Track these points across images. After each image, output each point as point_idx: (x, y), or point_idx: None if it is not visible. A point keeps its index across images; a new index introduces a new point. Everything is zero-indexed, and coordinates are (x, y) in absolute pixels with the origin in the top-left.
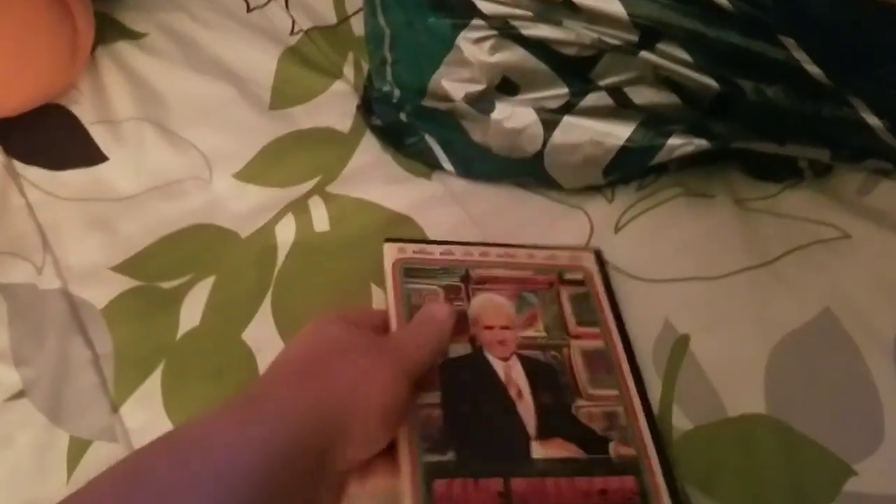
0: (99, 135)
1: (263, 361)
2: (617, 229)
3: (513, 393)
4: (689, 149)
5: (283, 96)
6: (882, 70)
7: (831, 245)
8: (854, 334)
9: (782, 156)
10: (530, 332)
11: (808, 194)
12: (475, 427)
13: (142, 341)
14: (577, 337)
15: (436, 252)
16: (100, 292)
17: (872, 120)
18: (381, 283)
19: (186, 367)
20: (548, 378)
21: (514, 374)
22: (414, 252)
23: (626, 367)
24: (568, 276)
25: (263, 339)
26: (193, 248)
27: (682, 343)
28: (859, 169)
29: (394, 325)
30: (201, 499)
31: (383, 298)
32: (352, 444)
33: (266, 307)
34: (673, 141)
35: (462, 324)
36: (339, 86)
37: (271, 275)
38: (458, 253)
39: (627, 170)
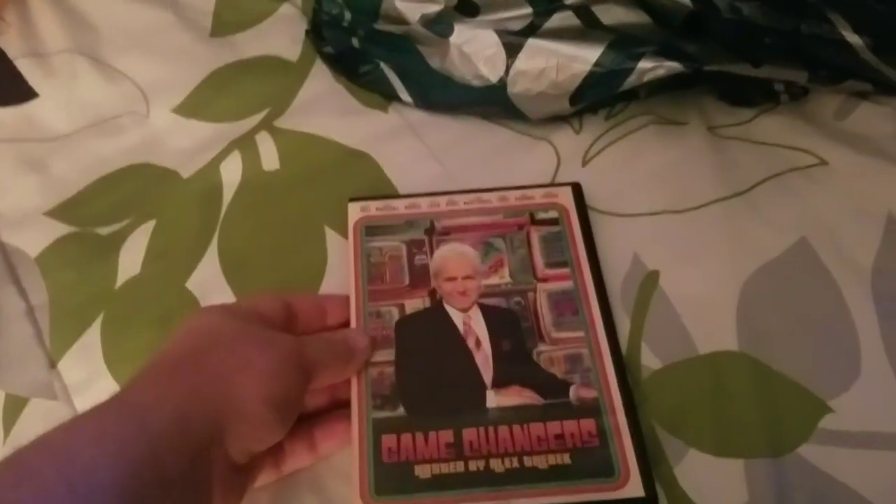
0: (28, 69)
1: None
2: (585, 162)
3: (470, 343)
4: (661, 72)
5: (224, 22)
6: None
7: (808, 172)
8: (830, 265)
9: (757, 79)
10: (494, 280)
11: (784, 120)
12: (427, 381)
13: (79, 291)
14: (545, 280)
15: (400, 206)
16: (33, 239)
17: (853, 38)
18: (336, 226)
19: (127, 317)
20: (509, 325)
21: (473, 324)
22: (377, 209)
23: (595, 306)
24: (541, 215)
25: (209, 287)
26: (132, 189)
27: (651, 279)
28: (837, 91)
29: (352, 287)
30: None
31: (337, 241)
32: (237, 437)
33: (212, 252)
34: (643, 64)
35: (423, 278)
36: (285, 9)
37: (217, 217)
38: (424, 205)
39: (595, 97)
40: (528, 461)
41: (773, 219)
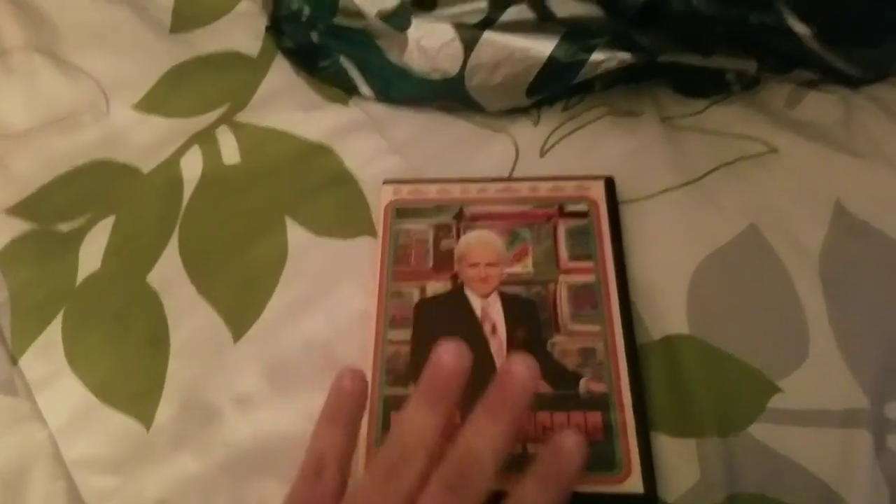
0: None
1: (169, 304)
2: (543, 153)
3: (487, 329)
4: (614, 63)
5: (184, 18)
6: None
7: (759, 160)
8: (779, 250)
9: (709, 70)
10: (517, 269)
11: (736, 109)
12: None
13: (39, 288)
14: (568, 272)
15: (432, 191)
16: None
17: (799, 27)
18: (298, 217)
19: (88, 313)
20: (526, 314)
21: (491, 311)
22: (409, 193)
23: (615, 302)
24: (570, 207)
25: (170, 281)
26: (91, 186)
27: None
28: (786, 80)
29: (377, 266)
30: None
31: (298, 233)
32: None
33: (172, 247)
34: (597, 56)
35: (447, 262)
36: (245, 5)
37: (177, 212)
38: (456, 190)
39: (551, 89)
40: (531, 448)
41: (724, 206)
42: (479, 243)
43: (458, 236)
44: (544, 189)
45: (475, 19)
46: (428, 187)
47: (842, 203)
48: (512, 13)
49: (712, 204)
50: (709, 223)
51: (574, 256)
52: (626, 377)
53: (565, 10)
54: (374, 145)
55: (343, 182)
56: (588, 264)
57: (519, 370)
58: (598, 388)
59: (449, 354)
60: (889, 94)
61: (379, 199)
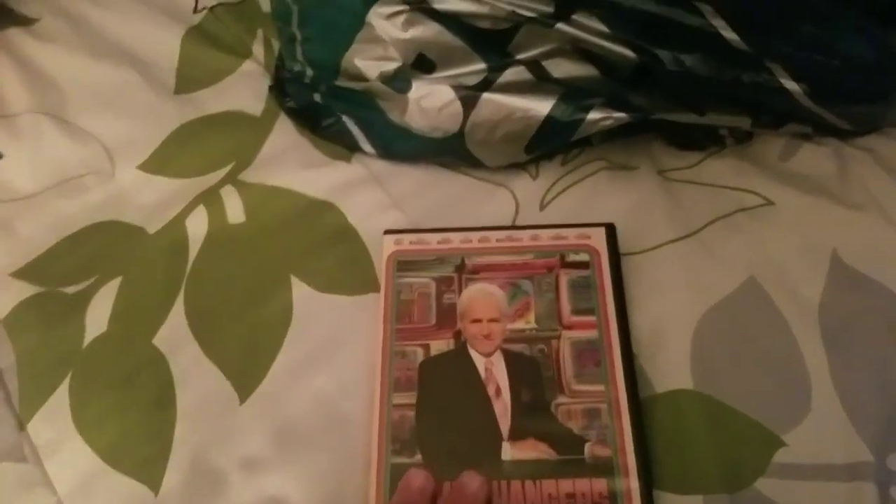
0: None
1: (177, 366)
2: (542, 206)
3: (491, 391)
4: (610, 122)
5: (188, 79)
6: (798, 33)
7: (755, 212)
8: (779, 301)
9: (703, 125)
10: (520, 324)
11: (731, 162)
12: (446, 428)
13: (46, 352)
14: (570, 327)
15: (433, 241)
16: None
17: (791, 85)
18: (302, 275)
19: (95, 376)
20: (530, 374)
21: (495, 371)
22: (411, 243)
23: (618, 359)
24: (571, 257)
25: (176, 342)
26: (97, 247)
27: None
28: (780, 134)
29: (380, 324)
30: None
31: (303, 291)
32: None
33: (178, 308)
34: (593, 115)
35: (449, 318)
36: (248, 66)
37: (183, 272)
38: (456, 240)
39: (549, 146)
40: None
41: (722, 259)
42: (481, 297)
43: (461, 289)
44: (545, 237)
45: (474, 81)
46: (429, 237)
47: (838, 254)
48: (510, 74)
49: (711, 256)
50: (709, 276)
51: (576, 311)
52: (631, 440)
53: (562, 71)
54: (377, 201)
55: (347, 238)
56: (590, 319)
57: (471, 484)
58: (603, 452)
59: (418, 479)
60: (882, 145)
61: (380, 251)
